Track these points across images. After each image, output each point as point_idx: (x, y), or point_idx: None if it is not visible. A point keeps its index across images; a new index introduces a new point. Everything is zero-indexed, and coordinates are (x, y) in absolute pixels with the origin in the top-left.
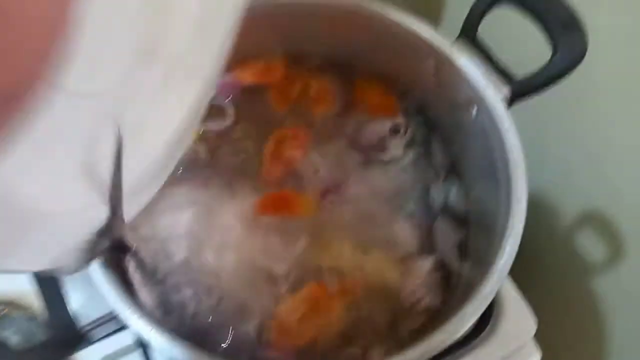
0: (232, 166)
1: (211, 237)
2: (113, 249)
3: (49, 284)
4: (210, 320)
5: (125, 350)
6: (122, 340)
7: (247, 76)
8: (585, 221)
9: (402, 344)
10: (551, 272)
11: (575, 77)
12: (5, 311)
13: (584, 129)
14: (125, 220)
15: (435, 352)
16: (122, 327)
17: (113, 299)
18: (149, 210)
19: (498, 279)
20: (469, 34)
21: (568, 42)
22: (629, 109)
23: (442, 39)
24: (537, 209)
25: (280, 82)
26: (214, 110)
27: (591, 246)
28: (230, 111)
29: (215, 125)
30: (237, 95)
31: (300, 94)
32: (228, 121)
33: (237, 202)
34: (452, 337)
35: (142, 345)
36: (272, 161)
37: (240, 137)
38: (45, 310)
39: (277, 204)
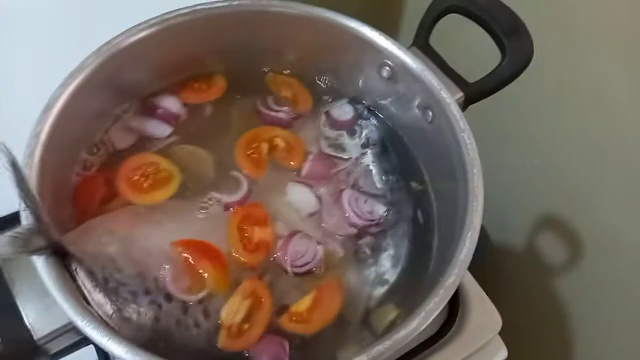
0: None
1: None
2: (51, 249)
3: (1, 297)
4: (169, 324)
5: None
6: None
7: (190, 96)
8: (544, 224)
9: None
10: (514, 275)
11: (527, 85)
12: None
13: (540, 134)
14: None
15: (400, 345)
16: (81, 341)
17: (67, 308)
18: (87, 229)
19: (459, 272)
20: (421, 42)
21: (515, 47)
22: (580, 113)
23: (397, 46)
24: (497, 214)
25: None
26: None
27: (551, 249)
28: None
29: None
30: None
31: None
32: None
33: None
34: (415, 331)
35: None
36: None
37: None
38: None
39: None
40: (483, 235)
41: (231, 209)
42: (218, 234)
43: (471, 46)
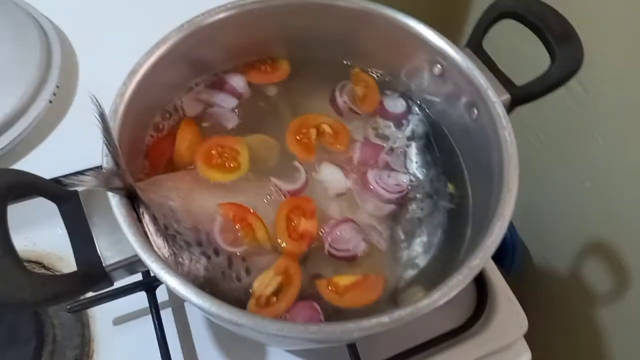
0: None
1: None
2: (125, 191)
3: (78, 226)
4: (215, 274)
5: (137, 314)
6: (133, 303)
7: (255, 77)
8: (591, 249)
9: None
10: (556, 298)
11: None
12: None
13: (594, 155)
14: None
15: (421, 314)
16: (133, 288)
17: (134, 242)
18: (155, 182)
19: (484, 255)
20: (474, 44)
21: (564, 53)
22: (636, 139)
23: (449, 45)
24: (542, 234)
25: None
26: None
27: (597, 275)
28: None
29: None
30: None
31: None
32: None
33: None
34: (436, 302)
35: (155, 309)
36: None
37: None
38: (73, 250)
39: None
40: (524, 253)
41: (284, 197)
42: (269, 216)
43: (524, 51)
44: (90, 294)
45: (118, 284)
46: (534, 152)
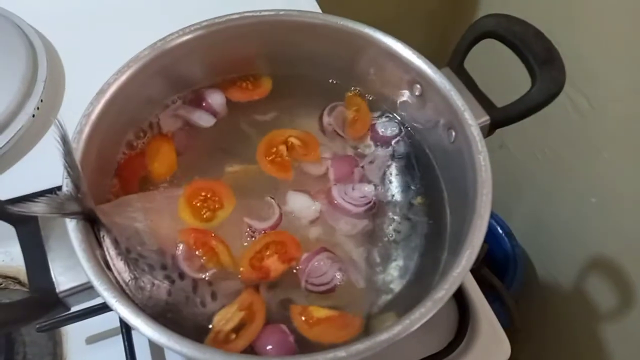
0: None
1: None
2: (84, 215)
3: (34, 250)
4: (179, 299)
5: (110, 333)
6: (107, 322)
7: (235, 94)
8: (596, 266)
9: None
10: (560, 315)
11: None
12: (2, 285)
13: (601, 170)
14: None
15: (379, 348)
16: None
17: (87, 268)
18: (122, 204)
19: (449, 287)
20: (455, 64)
21: (546, 76)
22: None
23: (427, 65)
24: (547, 248)
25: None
26: None
27: (602, 293)
28: None
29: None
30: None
31: None
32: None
33: None
34: (396, 337)
35: (125, 329)
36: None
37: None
38: (27, 274)
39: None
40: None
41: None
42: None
43: (507, 72)
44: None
45: (90, 303)
46: (539, 166)
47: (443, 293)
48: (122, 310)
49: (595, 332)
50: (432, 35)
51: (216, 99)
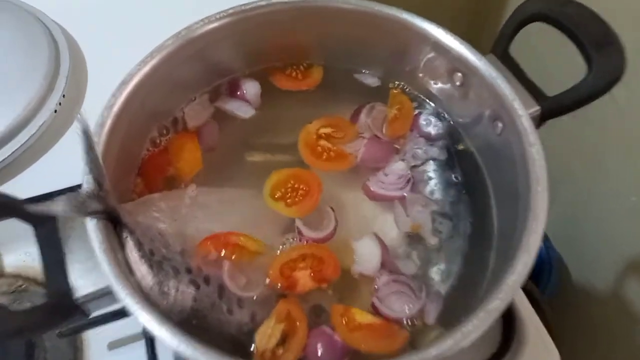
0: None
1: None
2: (106, 215)
3: (52, 251)
4: (204, 305)
5: (132, 338)
6: (129, 326)
7: (282, 82)
8: (634, 269)
9: None
10: (595, 318)
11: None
12: (24, 286)
13: (634, 172)
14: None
15: None
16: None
17: (107, 271)
18: (146, 203)
19: (504, 296)
20: (500, 50)
21: (603, 62)
22: None
23: (472, 52)
24: (583, 251)
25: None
26: None
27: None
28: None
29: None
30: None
31: None
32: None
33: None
34: (448, 351)
35: (147, 335)
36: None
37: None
38: (45, 277)
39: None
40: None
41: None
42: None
43: (558, 58)
44: None
45: (111, 307)
46: (574, 163)
47: (498, 303)
48: (146, 318)
49: (634, 339)
50: (462, 21)
51: (251, 88)
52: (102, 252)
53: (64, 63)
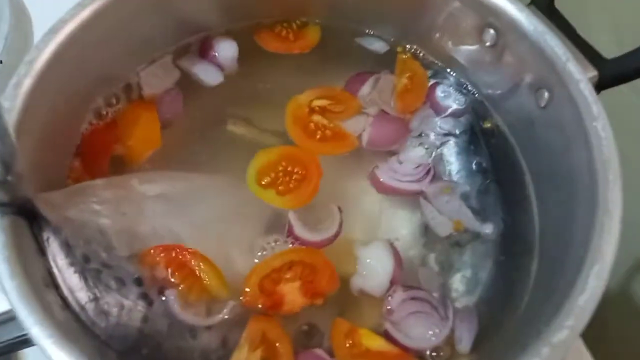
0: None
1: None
2: (15, 208)
3: None
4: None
5: None
6: None
7: (270, 43)
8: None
9: None
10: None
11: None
12: None
13: None
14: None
15: None
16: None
17: (9, 288)
18: (83, 192)
19: (575, 324)
20: (543, 1)
21: None
22: None
23: (510, 1)
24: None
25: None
26: None
27: None
28: None
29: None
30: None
31: None
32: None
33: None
34: None
35: None
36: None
37: None
38: None
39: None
40: None
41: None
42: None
43: (613, 15)
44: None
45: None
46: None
47: (566, 334)
48: (61, 357)
49: None
50: None
51: (225, 50)
52: (4, 262)
53: (1, 24)
